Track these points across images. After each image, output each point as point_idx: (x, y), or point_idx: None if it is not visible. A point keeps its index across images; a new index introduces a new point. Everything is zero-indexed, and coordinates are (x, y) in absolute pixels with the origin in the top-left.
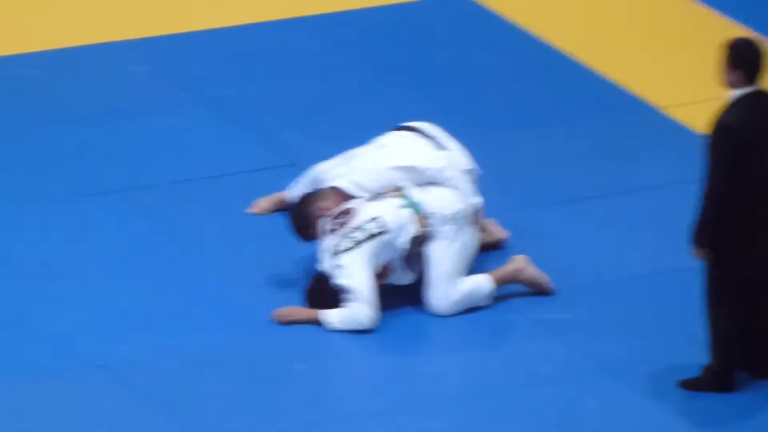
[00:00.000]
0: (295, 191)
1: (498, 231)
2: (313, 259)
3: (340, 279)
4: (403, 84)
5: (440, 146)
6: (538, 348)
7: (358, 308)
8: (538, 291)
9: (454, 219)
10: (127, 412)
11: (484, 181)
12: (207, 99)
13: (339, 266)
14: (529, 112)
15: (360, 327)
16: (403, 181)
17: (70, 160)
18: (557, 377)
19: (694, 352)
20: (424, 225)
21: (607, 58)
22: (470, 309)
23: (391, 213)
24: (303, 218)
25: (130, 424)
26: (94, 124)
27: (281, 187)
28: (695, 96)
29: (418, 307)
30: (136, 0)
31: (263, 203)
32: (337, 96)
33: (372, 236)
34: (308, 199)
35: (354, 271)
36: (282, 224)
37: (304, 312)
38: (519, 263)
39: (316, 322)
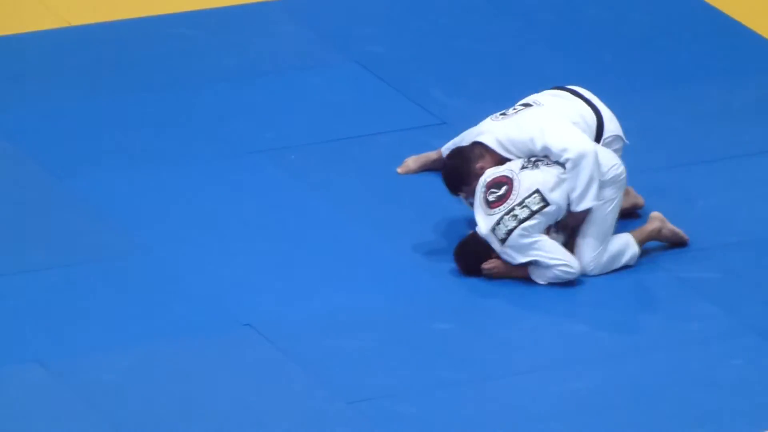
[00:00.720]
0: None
1: (635, 197)
2: (461, 220)
3: (524, 256)
4: (554, 43)
5: (594, 108)
6: (685, 307)
7: (566, 270)
8: (675, 243)
9: (612, 182)
10: (272, 370)
11: (635, 140)
12: (358, 57)
13: (517, 247)
14: (682, 70)
15: (574, 277)
16: (541, 155)
17: (221, 120)
18: (703, 336)
19: None
20: None
21: (763, 14)
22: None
23: (550, 184)
24: (459, 176)
25: (276, 382)
26: (245, 83)
27: (432, 146)
28: None
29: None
30: None
31: (412, 163)
32: (488, 55)
33: (534, 213)
34: (464, 155)
35: (535, 242)
36: (432, 185)
37: (517, 270)
38: (657, 222)
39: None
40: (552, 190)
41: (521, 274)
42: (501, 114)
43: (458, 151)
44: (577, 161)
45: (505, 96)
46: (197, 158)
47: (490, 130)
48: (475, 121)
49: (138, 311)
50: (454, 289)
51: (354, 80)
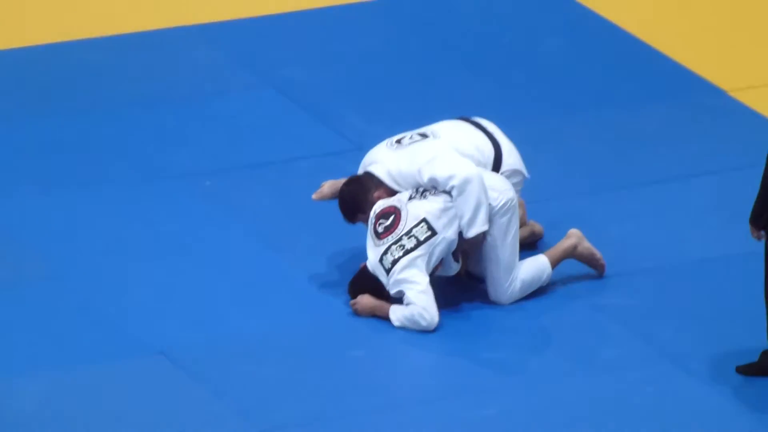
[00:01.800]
0: None
1: (532, 225)
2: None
3: (398, 286)
4: (470, 68)
5: (493, 141)
6: (598, 333)
7: (421, 313)
8: (591, 266)
9: (506, 209)
10: (186, 398)
11: (548, 165)
12: (274, 83)
13: (397, 277)
14: (595, 94)
15: (421, 329)
16: (429, 187)
17: (135, 145)
18: (617, 363)
19: (754, 337)
20: None
21: (674, 40)
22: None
23: (437, 212)
24: (355, 204)
25: (188, 409)
26: (160, 108)
27: (348, 171)
28: (764, 79)
29: (475, 294)
30: None
31: (326, 189)
32: (405, 80)
33: (421, 242)
34: (360, 183)
35: (411, 279)
36: None
37: (381, 306)
38: (574, 239)
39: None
40: (439, 218)
41: (384, 313)
42: (397, 141)
43: (355, 179)
44: (463, 187)
45: (422, 121)
46: (111, 183)
47: (382, 161)
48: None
49: (50, 337)
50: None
51: (271, 106)
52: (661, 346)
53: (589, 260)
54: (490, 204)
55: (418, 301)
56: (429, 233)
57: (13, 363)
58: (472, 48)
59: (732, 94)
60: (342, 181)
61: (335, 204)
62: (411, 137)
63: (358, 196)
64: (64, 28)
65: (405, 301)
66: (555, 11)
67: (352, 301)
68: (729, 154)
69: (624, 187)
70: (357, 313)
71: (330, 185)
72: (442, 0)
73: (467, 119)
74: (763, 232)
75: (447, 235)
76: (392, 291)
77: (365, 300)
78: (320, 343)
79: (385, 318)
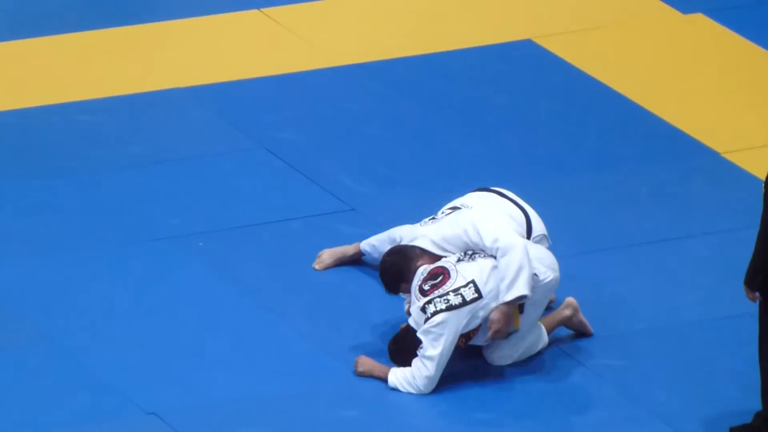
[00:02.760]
0: (369, 249)
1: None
2: (368, 308)
3: (424, 334)
4: (463, 130)
5: (521, 208)
6: (591, 394)
7: (423, 372)
8: (580, 333)
9: (546, 286)
10: None
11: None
12: (266, 144)
13: (429, 326)
14: (589, 156)
15: (416, 390)
16: (477, 246)
17: (129, 206)
18: (609, 424)
19: (747, 398)
20: None
21: (668, 102)
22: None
23: (485, 278)
24: (399, 272)
25: None
26: (152, 170)
27: (341, 233)
28: (757, 141)
29: (470, 353)
30: (195, 47)
31: (327, 258)
32: (396, 141)
33: (466, 302)
34: (403, 253)
35: (439, 335)
36: (339, 273)
37: (380, 367)
38: (571, 310)
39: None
40: (486, 283)
41: (382, 375)
42: (430, 219)
43: (398, 249)
44: (506, 250)
45: (414, 182)
46: (102, 245)
47: (424, 234)
48: (384, 207)
49: (42, 400)
50: (359, 376)
51: (263, 167)
52: (654, 407)
53: (579, 331)
54: (536, 275)
55: (428, 364)
56: (476, 296)
57: (5, 426)
58: (465, 110)
59: (726, 155)
60: (343, 249)
61: (329, 267)
62: (443, 212)
63: (401, 265)
64: (57, 90)
65: (419, 353)
66: (549, 73)
67: (357, 362)
68: (722, 215)
69: (617, 248)
70: (361, 371)
71: (330, 254)
72: (436, 62)
73: (488, 189)
74: (757, 294)
75: (490, 304)
76: (421, 338)
77: (367, 360)
78: (314, 404)
79: (383, 379)
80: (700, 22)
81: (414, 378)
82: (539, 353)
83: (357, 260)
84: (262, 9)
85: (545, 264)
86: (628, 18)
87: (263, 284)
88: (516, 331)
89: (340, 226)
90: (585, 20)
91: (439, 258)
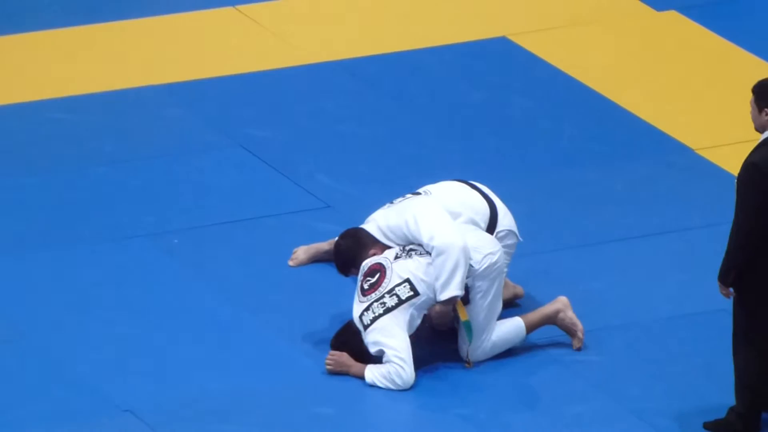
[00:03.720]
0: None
1: (514, 287)
2: (341, 305)
3: (377, 345)
4: (438, 127)
5: (489, 201)
6: (566, 390)
7: (398, 371)
8: (569, 334)
9: (487, 273)
10: None
11: (517, 223)
12: (242, 141)
13: (375, 340)
14: (563, 153)
15: (397, 387)
16: (416, 242)
17: (103, 203)
18: (584, 419)
19: (721, 393)
20: None
21: (643, 99)
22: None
23: (420, 274)
24: (351, 257)
25: None
26: (127, 167)
27: (316, 230)
28: (730, 138)
29: (448, 352)
30: (169, 44)
31: (302, 255)
32: (372, 138)
33: (402, 301)
34: (357, 238)
35: (392, 335)
36: (314, 270)
37: (356, 366)
38: (559, 305)
39: (362, 377)
40: (422, 279)
41: (358, 372)
42: (391, 202)
43: (352, 233)
44: (441, 249)
45: (389, 179)
46: (77, 243)
47: (374, 219)
48: (360, 204)
49: (17, 397)
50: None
51: (238, 164)
52: (628, 403)
53: (569, 330)
54: (471, 266)
55: (396, 360)
56: (411, 293)
57: None
58: (440, 107)
59: (699, 152)
60: (317, 246)
61: (304, 264)
62: (405, 196)
63: (353, 251)
64: (30, 87)
65: (384, 359)
66: (523, 71)
67: (328, 359)
68: (696, 211)
69: (592, 244)
70: (330, 371)
71: (305, 251)
72: (411, 59)
73: (463, 180)
74: (731, 290)
75: (430, 296)
76: (371, 349)
77: (342, 359)
78: (289, 401)
79: (359, 377)
80: (674, 19)
81: (392, 376)
82: (515, 349)
83: (332, 257)
84: (236, 6)
85: (483, 252)
86: (602, 15)
87: (238, 281)
88: (467, 322)
89: (315, 223)
90: (559, 17)
91: (387, 248)
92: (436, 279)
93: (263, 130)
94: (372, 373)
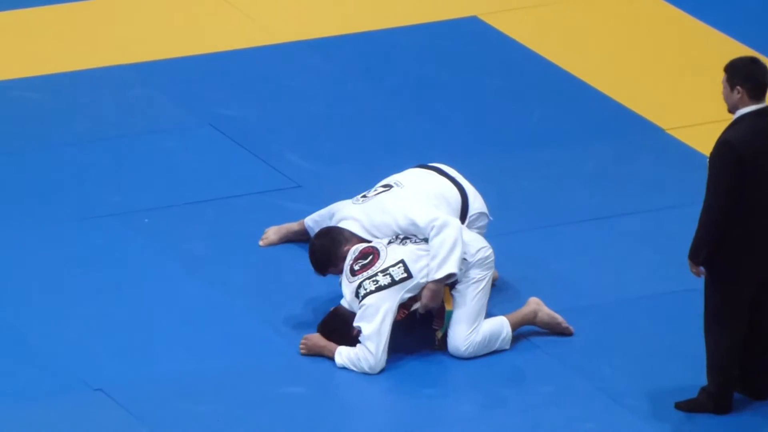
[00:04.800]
0: (312, 225)
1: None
2: (312, 284)
3: (359, 320)
4: (407, 106)
5: (458, 186)
6: (536, 369)
7: (366, 355)
8: (556, 332)
9: (481, 263)
10: None
11: (487, 203)
12: (211, 120)
13: (361, 306)
14: (533, 133)
15: (362, 371)
16: (408, 232)
17: (72, 183)
18: (554, 399)
19: (692, 373)
20: None
21: (613, 79)
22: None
23: (414, 257)
24: (327, 257)
25: None
26: (95, 147)
27: (286, 209)
28: (700, 117)
29: (423, 341)
30: (137, 24)
31: (273, 235)
32: (342, 118)
33: (395, 282)
34: (332, 237)
35: (373, 316)
36: (285, 250)
37: (329, 346)
38: (533, 305)
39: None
40: (416, 262)
41: (330, 353)
42: (362, 196)
43: (326, 232)
44: (441, 228)
45: (359, 159)
46: (46, 222)
47: (353, 216)
48: (330, 183)
49: None
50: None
51: (208, 143)
52: (600, 383)
53: (551, 326)
54: (465, 258)
55: (367, 345)
56: (405, 275)
57: None
58: (410, 87)
59: (670, 132)
60: (288, 226)
61: (274, 244)
62: (375, 190)
63: (329, 249)
64: None
65: (360, 338)
66: (494, 50)
67: (302, 342)
68: (667, 191)
69: (561, 224)
70: (304, 353)
71: (275, 231)
72: (381, 39)
73: (427, 166)
74: (702, 269)
75: (421, 281)
76: (355, 323)
77: (315, 339)
78: (259, 380)
79: (331, 358)
80: None
81: (359, 359)
82: (505, 349)
83: (302, 237)
84: None
85: (477, 246)
86: None
87: (209, 260)
88: (450, 312)
89: (285, 203)
90: None
91: (368, 242)
92: (433, 258)
93: (233, 110)
94: (341, 356)
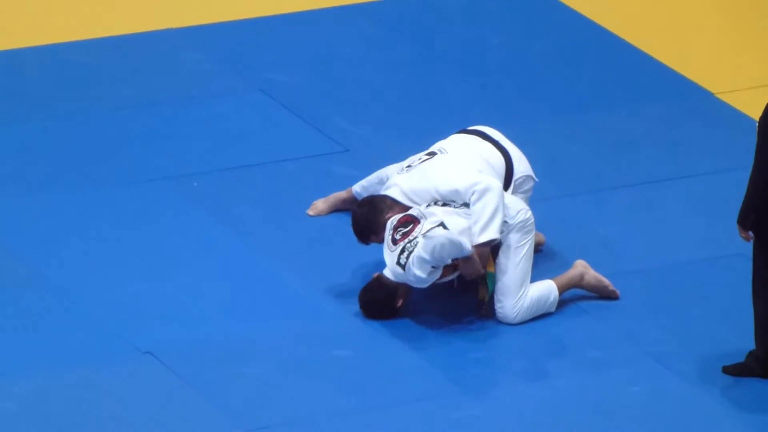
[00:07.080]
0: (360, 191)
1: (536, 234)
2: (360, 250)
3: (424, 244)
4: (456, 71)
5: (502, 150)
6: (585, 333)
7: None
8: (602, 295)
9: (521, 226)
10: (174, 398)
11: (535, 168)
12: (260, 85)
13: (418, 256)
14: (584, 98)
15: (460, 252)
16: (447, 198)
17: (122, 147)
18: (603, 363)
19: (740, 338)
20: None
21: (663, 43)
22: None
23: (452, 219)
24: (368, 225)
25: (176, 409)
26: (145, 111)
27: (335, 173)
28: (751, 81)
29: (464, 304)
30: None
31: (321, 205)
32: (391, 83)
33: None
34: (373, 205)
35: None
36: (332, 215)
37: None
38: (580, 268)
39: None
40: (455, 224)
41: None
42: (407, 166)
43: (369, 201)
44: (483, 193)
45: (407, 124)
46: (95, 185)
47: (397, 184)
48: (377, 148)
49: (36, 339)
50: (353, 317)
51: (257, 108)
52: (647, 347)
53: (598, 289)
54: (506, 221)
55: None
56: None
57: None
58: (458, 51)
59: (720, 96)
60: (336, 195)
61: (324, 214)
62: (420, 159)
63: (371, 217)
64: (50, 30)
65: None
66: (542, 14)
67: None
68: (716, 155)
69: (610, 188)
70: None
71: (324, 201)
72: (429, 3)
73: (470, 131)
74: (751, 233)
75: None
76: (419, 277)
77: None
78: (307, 344)
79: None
80: None
81: (450, 241)
82: (551, 313)
83: (351, 205)
84: None
85: (516, 208)
86: None
87: (257, 225)
88: (491, 273)
89: (333, 167)
90: None
91: (409, 208)
92: (475, 222)
93: (282, 74)
94: (427, 245)
